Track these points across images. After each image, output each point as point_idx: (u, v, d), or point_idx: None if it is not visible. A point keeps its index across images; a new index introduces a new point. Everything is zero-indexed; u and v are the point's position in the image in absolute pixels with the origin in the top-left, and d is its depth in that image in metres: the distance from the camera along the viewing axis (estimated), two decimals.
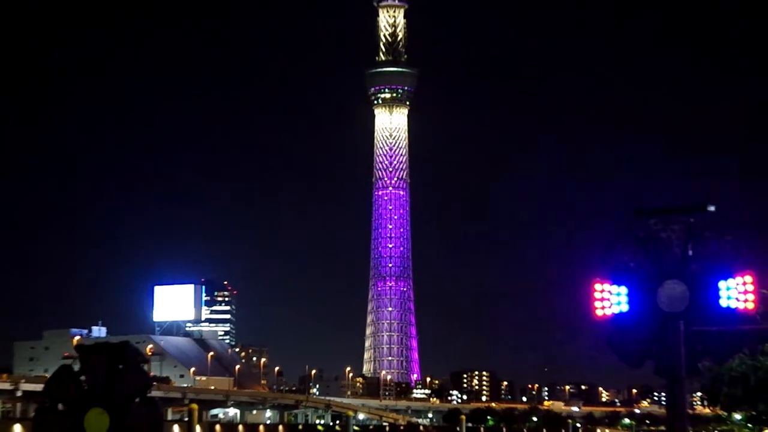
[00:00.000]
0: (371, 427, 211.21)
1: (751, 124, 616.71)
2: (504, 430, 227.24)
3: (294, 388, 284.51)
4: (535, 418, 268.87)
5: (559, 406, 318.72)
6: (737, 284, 10.51)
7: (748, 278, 9.23)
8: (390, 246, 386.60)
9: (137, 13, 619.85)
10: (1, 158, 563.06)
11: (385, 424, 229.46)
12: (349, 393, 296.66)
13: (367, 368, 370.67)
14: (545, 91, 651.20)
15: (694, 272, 7.59)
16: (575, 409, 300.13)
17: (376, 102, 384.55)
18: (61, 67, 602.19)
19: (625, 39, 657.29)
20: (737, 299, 10.45)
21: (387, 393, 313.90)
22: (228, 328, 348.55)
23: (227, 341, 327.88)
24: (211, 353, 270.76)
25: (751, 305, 9.57)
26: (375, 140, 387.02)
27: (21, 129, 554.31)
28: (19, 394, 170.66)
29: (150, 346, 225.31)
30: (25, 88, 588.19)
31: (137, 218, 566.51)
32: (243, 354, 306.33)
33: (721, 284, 10.54)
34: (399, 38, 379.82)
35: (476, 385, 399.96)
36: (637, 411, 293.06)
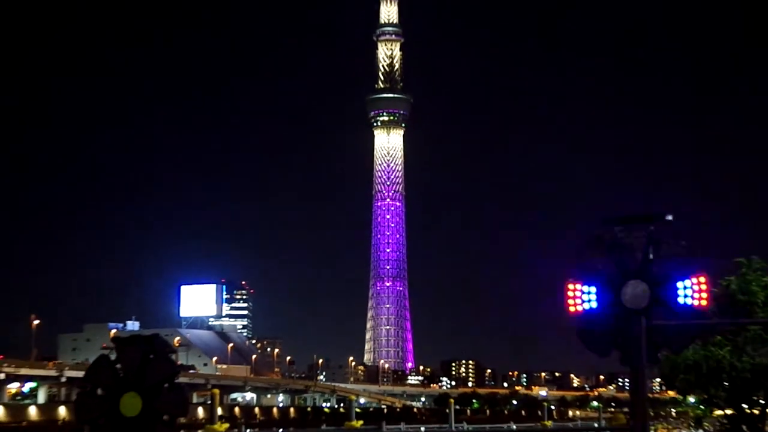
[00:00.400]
0: (371, 409, 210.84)
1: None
2: (487, 412, 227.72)
3: (303, 375, 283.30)
4: (515, 402, 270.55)
5: (536, 391, 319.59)
6: (693, 284, 10.79)
7: (702, 279, 9.53)
8: (388, 251, 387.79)
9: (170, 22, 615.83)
10: (40, 161, 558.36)
11: (383, 406, 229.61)
12: (351, 379, 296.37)
13: (367, 357, 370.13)
14: (523, 117, 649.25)
15: (655, 273, 7.85)
16: (542, 393, 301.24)
17: (375, 124, 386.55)
18: (88, 69, 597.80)
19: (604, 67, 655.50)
20: (693, 297, 10.74)
21: (385, 379, 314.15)
22: (246, 323, 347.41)
23: (245, 334, 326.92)
24: (231, 344, 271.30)
25: (704, 302, 9.87)
26: (374, 158, 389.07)
27: (59, 131, 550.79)
28: (63, 380, 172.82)
29: (177, 338, 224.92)
30: (59, 90, 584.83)
31: (165, 224, 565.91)
32: (259, 345, 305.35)
33: (679, 284, 10.87)
34: (395, 68, 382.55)
35: (463, 372, 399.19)
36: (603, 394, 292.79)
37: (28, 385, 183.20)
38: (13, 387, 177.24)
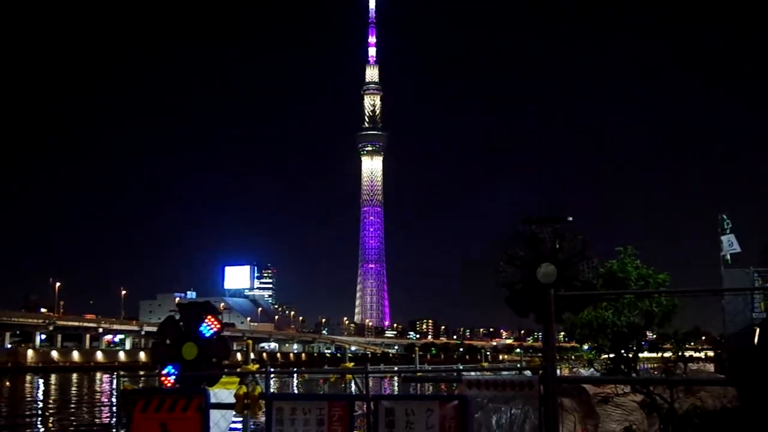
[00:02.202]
0: (360, 354, 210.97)
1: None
2: (442, 356, 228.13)
3: (311, 330, 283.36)
4: (461, 349, 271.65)
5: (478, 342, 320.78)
6: (587, 265, 10.96)
7: (594, 260, 9.62)
8: (371, 241, 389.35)
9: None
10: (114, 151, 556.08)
11: (368, 352, 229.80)
12: (345, 333, 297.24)
13: (357, 317, 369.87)
14: (481, 149, 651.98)
15: (560, 258, 7.87)
16: (494, 343, 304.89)
17: (362, 152, 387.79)
18: (138, 59, 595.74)
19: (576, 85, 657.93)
20: (587, 275, 10.88)
21: (369, 333, 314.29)
22: (271, 293, 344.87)
23: (270, 301, 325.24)
24: (260, 309, 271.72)
25: (594, 279, 10.00)
26: (362, 176, 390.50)
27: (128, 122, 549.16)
28: (143, 333, 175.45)
29: (222, 304, 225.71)
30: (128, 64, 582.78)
31: (214, 217, 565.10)
32: (280, 309, 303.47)
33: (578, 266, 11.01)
34: (377, 113, 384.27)
35: (425, 328, 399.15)
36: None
37: (118, 337, 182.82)
38: (108, 338, 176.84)
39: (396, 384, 56.95)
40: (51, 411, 58.25)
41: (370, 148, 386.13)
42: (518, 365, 19.86)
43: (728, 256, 18.50)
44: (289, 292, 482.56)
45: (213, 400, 7.99)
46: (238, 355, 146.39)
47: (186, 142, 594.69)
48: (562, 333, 16.22)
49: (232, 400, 8.01)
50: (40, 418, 52.57)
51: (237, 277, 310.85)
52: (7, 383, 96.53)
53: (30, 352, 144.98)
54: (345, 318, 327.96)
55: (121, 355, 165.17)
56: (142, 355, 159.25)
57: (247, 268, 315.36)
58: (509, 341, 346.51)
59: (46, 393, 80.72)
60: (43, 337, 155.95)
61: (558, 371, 7.31)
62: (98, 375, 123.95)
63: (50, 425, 46.95)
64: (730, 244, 18.44)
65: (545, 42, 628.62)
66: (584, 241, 8.16)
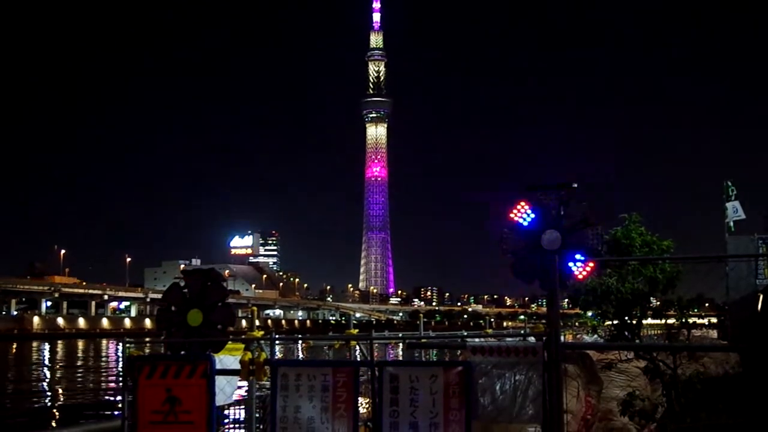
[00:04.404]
0: (364, 321, 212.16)
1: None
2: (446, 323, 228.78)
3: (316, 297, 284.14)
4: (465, 316, 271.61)
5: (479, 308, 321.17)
6: (593, 232, 10.90)
7: (600, 228, 9.57)
8: (375, 209, 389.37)
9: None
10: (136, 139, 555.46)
11: (372, 319, 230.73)
12: (350, 300, 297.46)
13: (362, 284, 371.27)
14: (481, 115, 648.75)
15: (564, 225, 7.84)
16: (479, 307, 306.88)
17: (367, 119, 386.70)
18: (162, 55, 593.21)
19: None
20: (592, 242, 10.84)
21: (373, 300, 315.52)
22: (275, 260, 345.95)
23: (275, 268, 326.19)
24: (265, 276, 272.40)
25: (600, 246, 9.98)
26: (366, 143, 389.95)
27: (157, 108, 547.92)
28: (148, 300, 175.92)
29: (227, 271, 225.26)
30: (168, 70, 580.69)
31: (218, 184, 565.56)
32: (284, 276, 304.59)
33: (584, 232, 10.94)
34: (381, 79, 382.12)
35: (429, 295, 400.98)
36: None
37: (124, 304, 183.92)
38: (113, 305, 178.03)
39: (400, 350, 57.35)
40: (58, 377, 58.86)
41: (374, 115, 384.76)
42: (522, 332, 20.01)
43: (732, 223, 18.44)
44: (293, 260, 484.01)
45: (218, 366, 8.05)
46: (243, 322, 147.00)
47: (192, 109, 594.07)
48: (567, 300, 16.28)
49: (238, 366, 8.07)
50: (46, 384, 53.13)
51: (241, 244, 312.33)
52: (14, 349, 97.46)
53: (36, 319, 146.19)
54: (349, 285, 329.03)
55: (127, 322, 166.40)
56: (147, 322, 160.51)
57: (251, 236, 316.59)
58: (513, 308, 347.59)
59: (52, 359, 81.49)
60: (49, 304, 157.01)
61: (562, 337, 7.35)
62: (104, 342, 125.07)
63: (58, 391, 47.46)
64: (734, 210, 18.37)
65: (559, 9, 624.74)
66: (588, 207, 8.16)
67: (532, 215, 7.89)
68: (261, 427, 10.47)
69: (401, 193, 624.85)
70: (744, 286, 16.04)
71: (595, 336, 16.63)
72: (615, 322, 13.61)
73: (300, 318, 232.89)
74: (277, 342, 9.50)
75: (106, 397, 42.36)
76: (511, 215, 7.97)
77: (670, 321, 14.60)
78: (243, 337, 10.00)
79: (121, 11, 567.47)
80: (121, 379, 8.83)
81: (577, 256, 7.78)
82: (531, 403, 7.11)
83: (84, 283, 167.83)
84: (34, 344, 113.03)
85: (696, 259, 9.83)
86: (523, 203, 7.96)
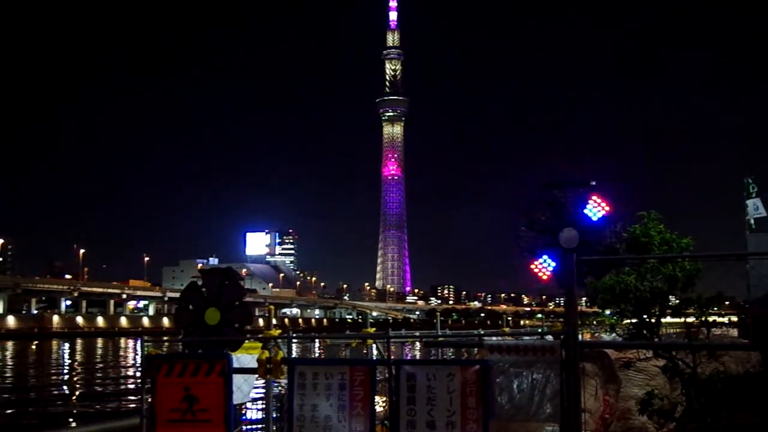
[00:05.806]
0: (381, 319, 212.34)
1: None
2: (463, 322, 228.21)
3: (333, 296, 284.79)
4: (482, 314, 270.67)
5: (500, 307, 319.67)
6: (611, 230, 10.88)
7: (618, 226, 9.54)
8: (392, 207, 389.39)
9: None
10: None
11: (389, 318, 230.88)
12: (367, 299, 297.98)
13: (378, 283, 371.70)
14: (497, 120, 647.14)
15: (582, 223, 7.78)
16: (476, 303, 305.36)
17: (384, 118, 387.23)
18: (180, 49, 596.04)
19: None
20: (610, 239, 10.80)
21: (390, 298, 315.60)
22: (292, 259, 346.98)
23: (291, 267, 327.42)
24: (282, 275, 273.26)
25: (618, 244, 9.93)
26: (383, 141, 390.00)
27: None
28: (166, 299, 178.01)
29: (244, 270, 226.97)
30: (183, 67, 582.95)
31: (235, 184, 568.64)
32: (301, 274, 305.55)
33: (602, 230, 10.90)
34: (398, 78, 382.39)
35: (446, 293, 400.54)
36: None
37: (142, 303, 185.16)
38: (131, 304, 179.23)
39: (417, 349, 57.33)
40: (77, 375, 59.31)
41: (391, 114, 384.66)
42: (540, 330, 19.95)
43: (752, 221, 18.25)
44: (310, 259, 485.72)
45: (236, 364, 8.06)
46: (260, 321, 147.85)
47: (210, 109, 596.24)
48: (584, 298, 16.18)
49: (255, 364, 8.08)
50: (65, 383, 53.54)
51: (259, 243, 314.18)
52: (34, 347, 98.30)
53: (56, 318, 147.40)
54: (366, 284, 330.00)
55: (145, 321, 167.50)
56: (165, 321, 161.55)
57: (268, 235, 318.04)
58: (530, 307, 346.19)
59: (71, 358, 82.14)
60: (68, 303, 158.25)
61: (579, 336, 7.31)
62: (122, 340, 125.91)
63: (77, 389, 47.81)
64: (755, 208, 18.17)
65: (574, 13, 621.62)
66: (606, 205, 8.08)
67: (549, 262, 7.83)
68: (278, 425, 10.51)
69: (418, 192, 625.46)
70: (765, 284, 15.88)
71: (614, 335, 16.53)
72: (633, 320, 13.51)
73: (317, 317, 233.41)
74: (294, 340, 9.51)
75: (125, 396, 42.65)
76: (529, 213, 7.94)
77: (690, 319, 14.48)
78: (260, 335, 10.02)
79: (140, 9, 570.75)
80: (139, 377, 8.87)
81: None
82: (549, 402, 7.07)
83: (103, 282, 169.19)
84: (54, 343, 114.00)
85: (716, 257, 9.74)
86: (540, 201, 7.92)
